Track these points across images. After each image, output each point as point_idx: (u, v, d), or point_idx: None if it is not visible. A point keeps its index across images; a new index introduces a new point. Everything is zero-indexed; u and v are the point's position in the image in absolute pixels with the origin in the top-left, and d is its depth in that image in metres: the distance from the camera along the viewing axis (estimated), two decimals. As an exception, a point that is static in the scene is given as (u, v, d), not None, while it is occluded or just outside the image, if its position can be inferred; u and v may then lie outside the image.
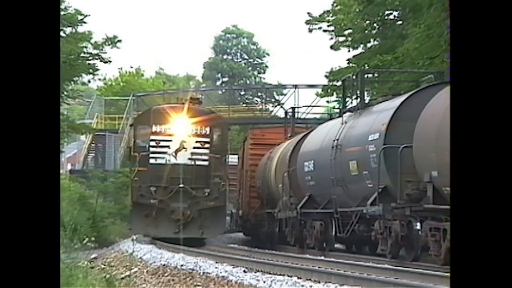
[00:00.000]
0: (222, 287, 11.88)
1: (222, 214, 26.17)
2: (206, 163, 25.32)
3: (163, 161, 25.12)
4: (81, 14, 32.44)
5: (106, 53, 33.14)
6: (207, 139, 25.54)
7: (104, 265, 16.23)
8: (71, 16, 32.13)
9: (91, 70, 34.29)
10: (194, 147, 25.31)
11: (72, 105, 46.14)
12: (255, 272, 13.13)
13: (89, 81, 37.39)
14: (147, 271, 15.34)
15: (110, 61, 33.97)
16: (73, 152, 58.26)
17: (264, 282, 11.59)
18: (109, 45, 32.97)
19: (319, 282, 11.21)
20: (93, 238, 20.77)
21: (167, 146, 25.24)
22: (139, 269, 15.59)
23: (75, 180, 39.12)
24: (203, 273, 13.84)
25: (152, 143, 25.38)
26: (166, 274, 14.56)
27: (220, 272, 13.45)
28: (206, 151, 25.41)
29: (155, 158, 25.23)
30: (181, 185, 24.48)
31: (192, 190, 24.71)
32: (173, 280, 13.58)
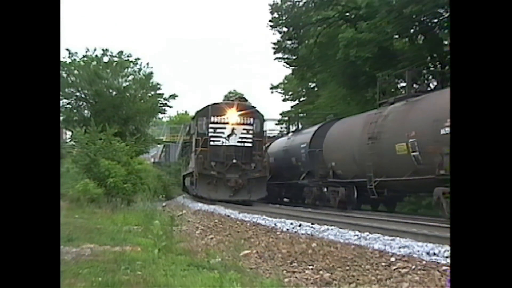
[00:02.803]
0: (226, 219, 11.85)
1: (264, 182, 19.44)
2: (250, 144, 19.11)
3: (219, 143, 19.06)
4: (159, 84, 32.26)
5: (169, 101, 32.88)
6: (251, 127, 19.35)
7: (169, 209, 16.16)
8: (155, 85, 31.94)
9: (162, 111, 34.06)
10: (242, 133, 19.20)
11: (153, 129, 45.73)
12: (244, 213, 13.12)
13: (162, 117, 37.14)
14: (190, 212, 15.27)
15: (172, 107, 33.84)
16: (154, 152, 57.84)
17: (248, 218, 11.60)
18: (171, 98, 32.76)
19: (276, 218, 11.22)
20: (164, 195, 20.66)
21: (222, 132, 19.20)
22: (186, 211, 15.52)
23: (156, 167, 38.74)
24: (218, 213, 13.82)
25: (211, 130, 19.23)
26: (199, 214, 14.50)
27: (226, 213, 13.44)
28: (250, 135, 19.22)
29: (214, 140, 19.08)
30: (234, 161, 18.75)
31: (242, 164, 18.76)
32: (203, 216, 13.53)
